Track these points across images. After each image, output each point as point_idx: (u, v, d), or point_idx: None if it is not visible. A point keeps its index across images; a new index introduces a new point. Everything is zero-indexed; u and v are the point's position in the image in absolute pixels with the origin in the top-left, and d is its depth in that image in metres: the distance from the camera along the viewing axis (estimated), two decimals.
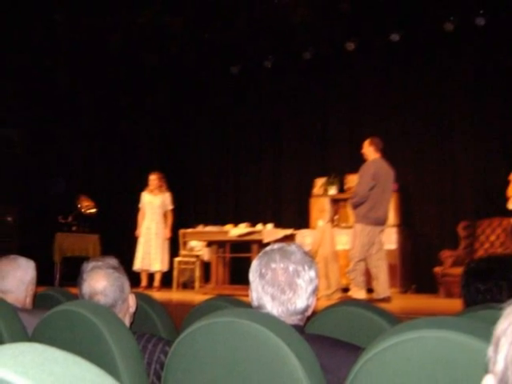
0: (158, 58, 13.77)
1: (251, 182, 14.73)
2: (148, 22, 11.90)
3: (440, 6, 11.51)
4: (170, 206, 11.68)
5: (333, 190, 13.10)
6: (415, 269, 12.31)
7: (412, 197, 12.73)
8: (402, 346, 1.79)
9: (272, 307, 2.54)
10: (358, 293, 9.14)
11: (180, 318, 3.98)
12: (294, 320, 2.56)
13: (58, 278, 12.20)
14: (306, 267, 2.58)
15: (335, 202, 13.05)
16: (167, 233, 11.62)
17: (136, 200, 11.68)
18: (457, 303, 4.34)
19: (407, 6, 11.61)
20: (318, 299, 8.03)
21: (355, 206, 9.30)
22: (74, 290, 3.93)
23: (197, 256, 12.44)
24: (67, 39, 12.66)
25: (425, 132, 12.68)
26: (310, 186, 13.43)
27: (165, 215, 11.64)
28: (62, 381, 0.97)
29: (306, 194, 13.45)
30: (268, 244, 2.90)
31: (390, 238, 11.83)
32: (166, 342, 2.90)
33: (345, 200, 12.62)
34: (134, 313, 3.30)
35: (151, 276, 11.61)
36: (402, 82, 13.01)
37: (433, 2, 11.37)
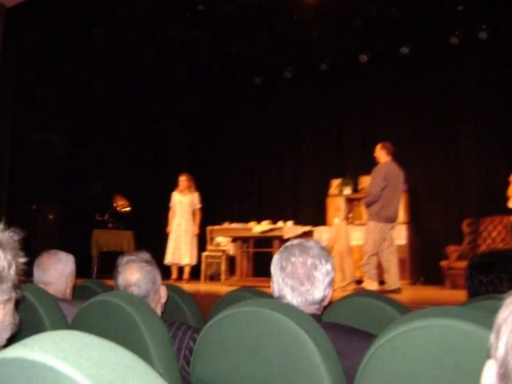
0: (187, 69, 13.81)
1: (273, 183, 14.75)
2: (178, 37, 11.92)
3: (446, 22, 11.48)
4: (199, 205, 11.69)
5: (347, 191, 13.08)
6: (423, 262, 12.27)
7: (420, 196, 12.70)
8: (411, 333, 1.79)
9: (292, 297, 2.55)
10: (371, 284, 9.12)
11: (207, 307, 3.97)
12: (312, 309, 2.57)
13: (96, 271, 12.23)
14: (323, 261, 2.59)
15: (350, 201, 13.08)
16: (195, 229, 11.63)
17: (167, 199, 11.70)
18: (461, 294, 4.31)
19: (416, 22, 11.56)
20: (333, 290, 8.05)
21: (368, 205, 9.28)
22: (109, 282, 3.93)
23: (223, 251, 12.44)
24: (104, 52, 12.71)
25: (432, 137, 12.66)
26: (327, 186, 13.42)
27: (193, 213, 11.65)
28: (98, 365, 0.97)
29: (322, 194, 13.45)
30: (288, 240, 2.91)
31: (400, 235, 11.80)
32: (194, 329, 2.90)
33: (358, 199, 12.63)
34: (166, 303, 3.29)
35: (181, 269, 11.61)
36: (411, 91, 12.99)
37: (439, 17, 11.33)
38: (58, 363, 0.95)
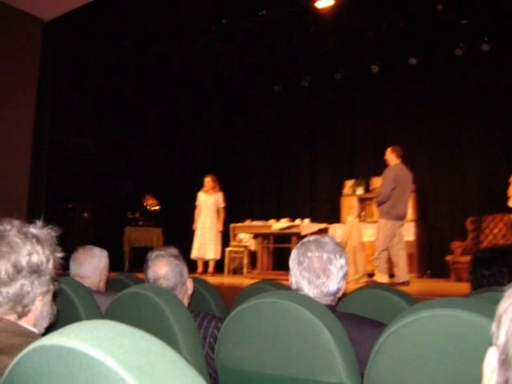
0: (211, 78, 13.85)
1: (291, 184, 14.74)
2: (203, 48, 11.93)
3: (451, 35, 11.46)
4: (222, 204, 11.69)
5: (360, 191, 13.09)
6: (430, 257, 12.26)
7: (427, 196, 12.67)
8: (418, 322, 1.79)
9: (308, 290, 2.57)
10: (382, 277, 9.10)
11: (231, 298, 3.98)
12: (327, 301, 2.58)
13: (127, 265, 12.27)
14: (338, 256, 2.59)
15: (362, 200, 13.08)
16: (220, 226, 11.63)
17: (193, 199, 11.71)
18: (465, 286, 4.30)
19: (423, 35, 11.53)
20: (347, 283, 8.03)
21: (379, 204, 9.27)
22: (140, 276, 3.94)
23: (245, 246, 12.45)
24: (135, 62, 12.77)
25: (438, 141, 12.63)
26: (341, 187, 13.45)
27: (218, 212, 11.64)
28: (130, 352, 0.98)
29: (337, 194, 13.46)
30: (305, 236, 2.90)
31: (408, 231, 11.79)
32: (218, 319, 2.90)
33: (370, 199, 12.62)
34: (192, 294, 3.30)
35: (206, 263, 11.61)
36: (419, 98, 12.94)
37: (444, 30, 11.30)
38: (93, 350, 0.96)
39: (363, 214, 12.87)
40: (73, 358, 0.97)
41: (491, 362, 0.88)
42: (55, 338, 1.01)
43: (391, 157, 9.47)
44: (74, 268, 3.94)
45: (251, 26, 11.40)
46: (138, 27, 11.48)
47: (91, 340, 0.98)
